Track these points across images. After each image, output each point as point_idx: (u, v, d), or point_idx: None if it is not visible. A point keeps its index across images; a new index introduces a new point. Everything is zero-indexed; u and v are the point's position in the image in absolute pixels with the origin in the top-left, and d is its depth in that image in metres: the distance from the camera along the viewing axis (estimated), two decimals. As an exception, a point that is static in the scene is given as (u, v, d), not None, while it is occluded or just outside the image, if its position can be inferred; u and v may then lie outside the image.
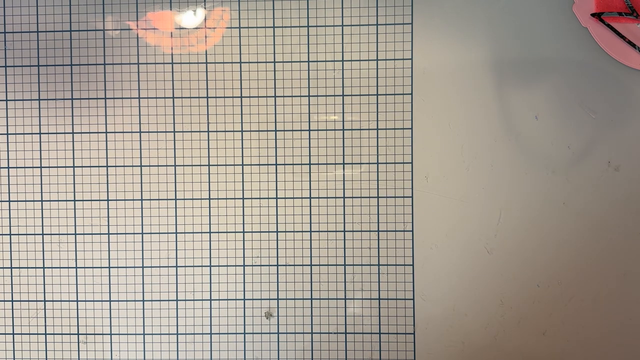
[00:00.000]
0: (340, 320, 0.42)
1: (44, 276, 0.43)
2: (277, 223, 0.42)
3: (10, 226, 0.43)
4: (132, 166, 0.43)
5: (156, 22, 0.43)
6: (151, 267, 0.43)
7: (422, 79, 0.42)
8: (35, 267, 0.43)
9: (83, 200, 0.43)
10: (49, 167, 0.43)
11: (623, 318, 0.41)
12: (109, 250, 0.43)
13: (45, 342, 0.43)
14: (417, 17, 0.42)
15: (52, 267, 0.43)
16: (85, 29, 0.43)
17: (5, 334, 0.43)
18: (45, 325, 0.43)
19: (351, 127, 0.42)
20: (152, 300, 0.43)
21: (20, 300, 0.43)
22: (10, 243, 0.43)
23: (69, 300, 0.43)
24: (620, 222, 0.41)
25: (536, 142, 0.41)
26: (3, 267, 0.43)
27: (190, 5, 0.43)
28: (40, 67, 0.43)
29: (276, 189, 0.42)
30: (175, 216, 0.43)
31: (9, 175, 0.43)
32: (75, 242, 0.43)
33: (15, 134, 0.43)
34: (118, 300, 0.43)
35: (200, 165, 0.42)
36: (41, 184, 0.43)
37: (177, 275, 0.43)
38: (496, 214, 0.41)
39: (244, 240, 0.42)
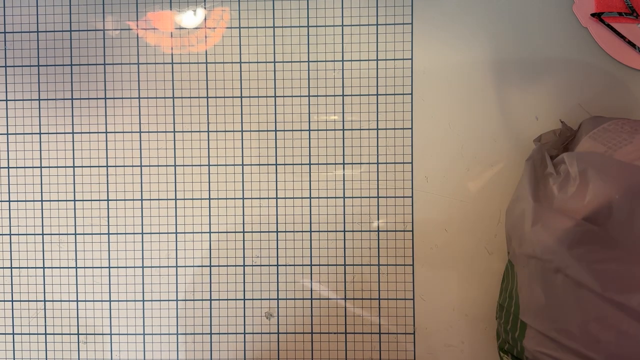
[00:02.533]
0: (340, 320, 0.42)
1: (44, 276, 0.43)
2: (277, 223, 0.42)
3: (10, 226, 0.43)
4: (132, 166, 0.43)
5: (156, 22, 0.43)
6: (151, 267, 0.43)
7: (422, 79, 0.42)
8: (35, 267, 0.43)
9: (83, 200, 0.43)
10: (49, 167, 0.43)
11: (623, 318, 0.41)
12: (109, 250, 0.43)
13: (45, 342, 0.43)
14: (417, 17, 0.42)
15: (52, 267, 0.43)
16: (85, 29, 0.43)
17: (5, 334, 0.43)
18: (45, 325, 0.43)
19: (351, 127, 0.42)
20: (152, 300, 0.43)
21: (20, 300, 0.43)
22: (10, 243, 0.43)
23: (69, 300, 0.43)
24: (620, 222, 0.41)
25: (536, 142, 0.41)
26: (3, 267, 0.43)
27: (190, 5, 0.43)
28: (40, 67, 0.43)
29: (276, 189, 0.42)
30: (175, 216, 0.43)
31: (9, 175, 0.43)
32: (75, 242, 0.43)
33: (15, 134, 0.43)
34: (118, 300, 0.43)
35: (200, 165, 0.42)
36: (41, 184, 0.43)
37: (177, 275, 0.43)
38: (496, 214, 0.41)
39: (244, 240, 0.42)
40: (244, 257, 0.42)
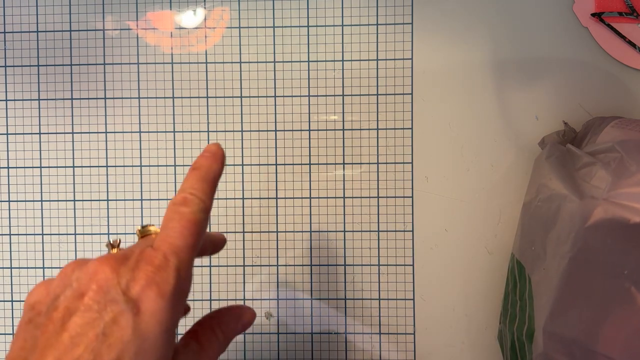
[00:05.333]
0: (340, 320, 0.42)
1: (43, 276, 0.43)
2: (277, 223, 0.42)
3: (10, 226, 0.43)
4: (132, 166, 0.43)
5: (156, 22, 0.43)
6: (151, 267, 0.43)
7: (422, 79, 0.42)
8: (35, 267, 0.43)
9: (83, 201, 0.43)
10: (48, 167, 0.43)
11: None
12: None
13: (45, 342, 0.43)
14: (417, 17, 0.42)
15: (52, 267, 0.43)
16: (85, 29, 0.43)
17: (5, 334, 0.43)
18: (45, 325, 0.43)
19: (351, 127, 0.42)
20: (152, 300, 0.43)
21: (20, 301, 0.43)
22: (10, 243, 0.43)
23: (68, 300, 0.43)
24: (620, 222, 0.41)
25: (536, 142, 0.41)
26: (3, 267, 0.43)
27: (190, 5, 0.43)
28: (40, 67, 0.43)
29: (276, 189, 0.42)
30: (175, 216, 0.43)
31: (8, 175, 0.43)
32: (75, 242, 0.43)
33: (15, 134, 0.43)
34: (118, 300, 0.43)
35: (200, 165, 0.42)
36: (41, 184, 0.43)
37: (177, 275, 0.43)
38: (496, 215, 0.41)
39: (244, 240, 0.42)
40: (244, 257, 0.42)
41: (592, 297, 0.30)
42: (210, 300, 0.43)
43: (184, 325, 0.43)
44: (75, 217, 0.43)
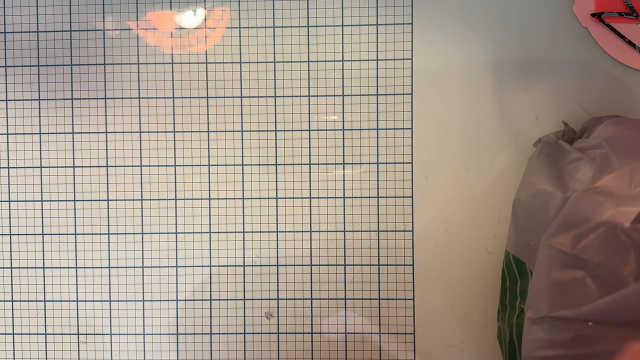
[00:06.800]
0: (340, 320, 0.42)
1: (44, 276, 0.43)
2: (277, 223, 0.42)
3: (10, 226, 0.43)
4: (132, 166, 0.43)
5: (156, 22, 0.43)
6: (151, 267, 0.43)
7: (422, 79, 0.42)
8: (35, 267, 0.43)
9: (83, 200, 0.43)
10: (49, 167, 0.43)
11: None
12: (109, 250, 0.43)
13: (45, 342, 0.43)
14: (417, 17, 0.42)
15: (52, 267, 0.43)
16: (85, 29, 0.43)
17: (5, 334, 0.43)
18: (45, 325, 0.43)
19: (351, 127, 0.42)
20: (152, 301, 0.43)
21: (20, 300, 0.43)
22: (10, 243, 0.43)
23: (69, 300, 0.43)
24: (620, 222, 0.41)
25: (536, 142, 0.41)
26: (3, 267, 0.43)
27: (190, 5, 0.43)
28: (40, 67, 0.43)
29: (276, 189, 0.42)
30: (175, 216, 0.43)
31: (9, 175, 0.43)
32: (75, 242, 0.43)
33: (16, 134, 0.43)
34: (118, 300, 0.43)
35: (200, 165, 0.43)
36: (41, 184, 0.43)
37: (177, 275, 0.43)
38: (496, 215, 0.41)
39: (244, 240, 0.42)
40: (244, 257, 0.42)
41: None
42: (210, 300, 0.43)
43: (184, 325, 0.43)
44: (75, 217, 0.43)
